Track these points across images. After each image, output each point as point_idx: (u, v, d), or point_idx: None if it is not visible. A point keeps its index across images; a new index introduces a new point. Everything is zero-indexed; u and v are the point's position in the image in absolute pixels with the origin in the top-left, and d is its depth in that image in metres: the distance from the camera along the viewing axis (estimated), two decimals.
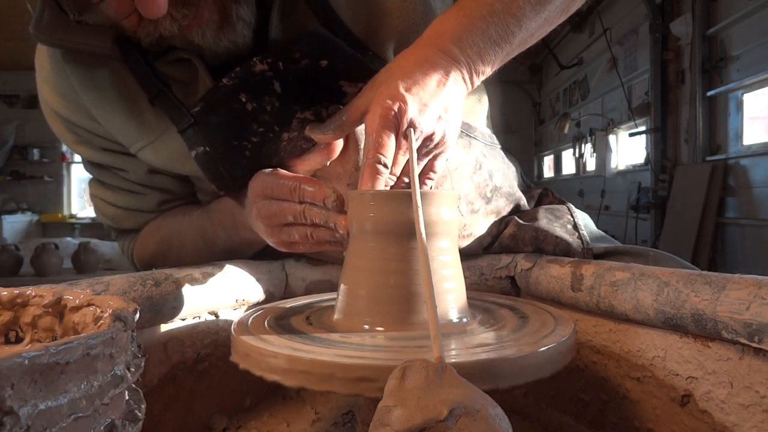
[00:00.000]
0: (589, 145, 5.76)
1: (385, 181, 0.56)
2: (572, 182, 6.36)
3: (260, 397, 0.74)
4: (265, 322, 0.55)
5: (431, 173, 0.63)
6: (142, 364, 0.35)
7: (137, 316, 0.35)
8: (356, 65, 0.67)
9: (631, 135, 4.68)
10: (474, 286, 0.79)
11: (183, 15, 0.62)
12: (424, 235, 0.46)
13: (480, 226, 0.81)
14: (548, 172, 7.67)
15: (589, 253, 0.78)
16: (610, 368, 0.61)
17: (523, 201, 0.89)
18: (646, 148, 4.46)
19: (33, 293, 0.40)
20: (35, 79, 0.81)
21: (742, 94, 3.43)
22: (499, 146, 0.88)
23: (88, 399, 0.29)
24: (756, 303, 0.44)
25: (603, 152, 5.45)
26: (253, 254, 0.85)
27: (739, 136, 3.45)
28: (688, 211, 3.63)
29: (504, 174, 0.84)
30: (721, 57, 3.53)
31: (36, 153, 7.25)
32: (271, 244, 0.66)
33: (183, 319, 0.65)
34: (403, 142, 0.56)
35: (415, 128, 0.56)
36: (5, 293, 0.40)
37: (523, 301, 0.64)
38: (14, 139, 7.14)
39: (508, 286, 0.80)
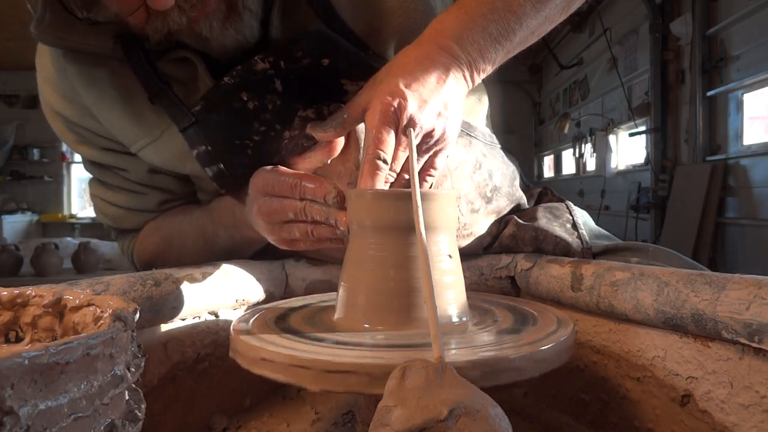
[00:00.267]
0: (589, 145, 5.76)
1: (385, 177, 0.56)
2: (572, 182, 6.36)
3: (260, 397, 0.74)
4: (265, 322, 0.55)
5: (431, 170, 0.63)
6: (142, 364, 0.35)
7: (137, 316, 0.35)
8: (358, 64, 0.67)
9: (631, 135, 4.68)
10: (474, 286, 0.79)
11: (191, 5, 0.62)
12: (424, 235, 0.46)
13: (480, 225, 0.81)
14: (548, 172, 7.67)
15: (588, 252, 0.78)
16: (610, 368, 0.61)
17: (524, 201, 0.89)
18: (646, 148, 4.46)
19: (33, 293, 0.40)
20: (35, 79, 0.81)
21: (742, 94, 3.43)
22: (499, 146, 0.88)
23: (88, 399, 0.29)
24: (756, 303, 0.44)
25: (603, 152, 5.45)
26: (253, 254, 0.85)
27: (739, 136, 3.45)
28: (688, 211, 3.63)
29: (504, 174, 0.84)
30: (721, 57, 3.53)
31: (36, 153, 7.25)
32: (271, 242, 0.66)
33: (183, 319, 0.65)
34: (403, 138, 0.56)
35: (414, 124, 0.56)
36: (5, 293, 0.40)
37: (523, 301, 0.64)
38: (14, 139, 7.14)
39: (508, 286, 0.80)
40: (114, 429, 0.30)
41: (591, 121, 5.67)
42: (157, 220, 0.88)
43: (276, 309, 0.61)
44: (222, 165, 0.69)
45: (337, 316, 0.54)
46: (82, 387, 0.28)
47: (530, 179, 1.11)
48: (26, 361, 0.25)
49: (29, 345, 0.39)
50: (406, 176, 0.59)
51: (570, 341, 0.49)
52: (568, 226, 0.82)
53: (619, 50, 4.90)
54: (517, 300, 0.65)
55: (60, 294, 0.39)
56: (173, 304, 0.62)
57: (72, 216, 7.38)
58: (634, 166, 4.90)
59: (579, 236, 0.80)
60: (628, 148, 5.13)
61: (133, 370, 0.33)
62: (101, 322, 0.35)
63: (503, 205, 0.83)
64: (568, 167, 6.81)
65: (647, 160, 4.40)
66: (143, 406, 0.34)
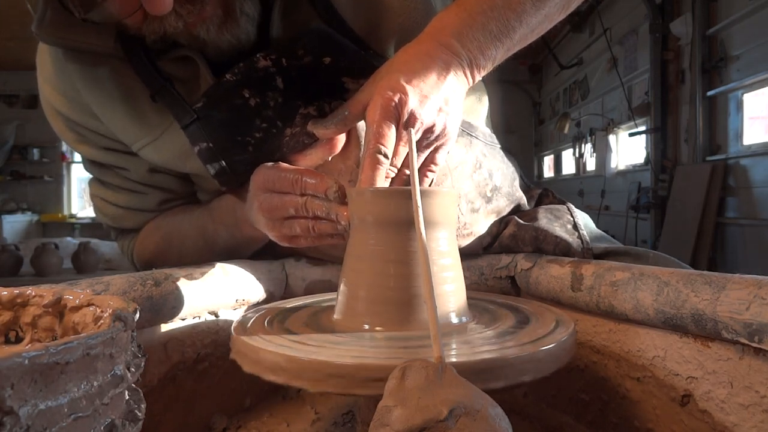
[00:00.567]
0: (589, 145, 5.75)
1: (385, 172, 0.56)
2: (572, 182, 6.35)
3: (260, 397, 0.74)
4: (265, 322, 0.55)
5: (432, 165, 0.63)
6: (142, 364, 0.35)
7: (137, 316, 0.35)
8: (359, 62, 0.67)
9: (631, 135, 4.68)
10: (474, 286, 0.79)
11: (188, 11, 0.62)
12: (424, 235, 0.46)
13: (481, 225, 0.81)
14: (548, 172, 7.66)
15: (588, 253, 0.78)
16: (610, 368, 0.61)
17: (524, 201, 0.89)
18: (646, 148, 4.46)
19: (33, 293, 0.40)
20: (35, 79, 0.81)
21: (742, 94, 3.43)
22: (499, 146, 0.88)
23: (88, 399, 0.29)
24: (756, 303, 0.44)
25: (603, 152, 5.45)
26: (253, 254, 0.85)
27: (739, 136, 3.45)
28: (688, 211, 3.63)
29: (504, 174, 0.84)
30: (721, 57, 3.53)
31: (36, 153, 7.25)
32: (272, 239, 0.66)
33: (183, 319, 0.65)
34: (404, 133, 0.56)
35: (415, 119, 0.56)
36: (5, 293, 0.40)
37: (523, 301, 0.64)
38: (14, 139, 7.14)
39: (508, 286, 0.80)
40: (114, 429, 0.30)
41: (591, 121, 5.67)
42: (157, 220, 0.88)
43: (276, 309, 0.61)
44: (224, 162, 0.69)
45: (336, 316, 0.54)
46: (82, 387, 0.28)
47: (530, 179, 1.11)
48: (26, 361, 0.25)
49: (29, 345, 0.39)
50: (407, 172, 0.59)
51: (570, 341, 0.49)
52: (569, 226, 0.82)
53: (619, 50, 4.90)
54: (517, 300, 0.65)
55: (60, 294, 0.39)
56: (173, 304, 0.62)
57: (72, 216, 7.38)
58: (634, 166, 4.90)
59: (579, 237, 0.80)
60: (628, 148, 5.13)
61: (133, 370, 0.33)
62: (101, 322, 0.35)
63: (503, 205, 0.83)
64: (568, 167, 6.80)
65: (647, 160, 4.40)
66: (143, 406, 0.34)
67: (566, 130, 6.08)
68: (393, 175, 0.58)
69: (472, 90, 0.64)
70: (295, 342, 0.48)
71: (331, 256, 0.82)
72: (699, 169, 3.67)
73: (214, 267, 0.71)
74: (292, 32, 0.69)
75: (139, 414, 0.33)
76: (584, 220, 0.85)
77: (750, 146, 3.37)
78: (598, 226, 0.87)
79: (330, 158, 0.68)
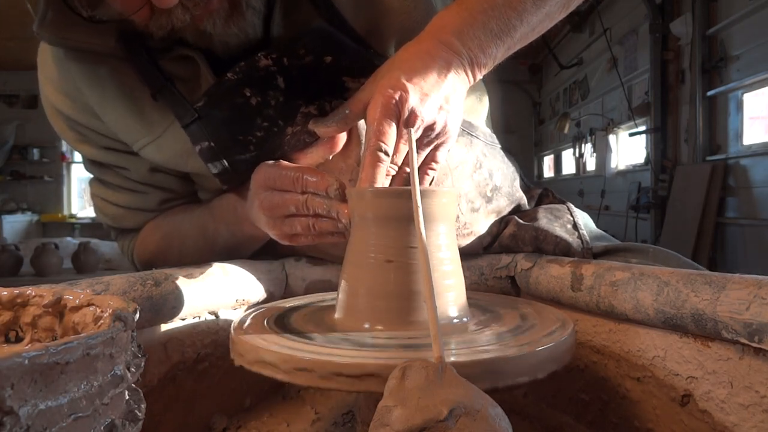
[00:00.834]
0: (589, 145, 5.76)
1: (386, 170, 0.56)
2: (572, 182, 6.35)
3: (260, 397, 0.74)
4: (265, 322, 0.55)
5: (433, 164, 0.63)
6: (142, 364, 0.35)
7: (137, 316, 0.35)
8: (360, 61, 0.67)
9: (631, 135, 4.68)
10: (474, 286, 0.79)
11: (194, 3, 0.62)
12: (424, 235, 0.46)
13: (481, 225, 0.81)
14: (548, 172, 7.66)
15: (588, 252, 0.78)
16: (610, 368, 0.61)
17: (524, 201, 0.89)
18: (646, 148, 4.46)
19: (33, 293, 0.40)
20: (35, 79, 0.81)
21: (742, 94, 3.43)
22: (499, 146, 0.88)
23: (88, 399, 0.29)
24: (756, 303, 0.44)
25: (603, 152, 5.45)
26: (253, 253, 0.85)
27: (739, 136, 3.45)
28: (688, 211, 3.63)
29: (504, 174, 0.84)
30: (721, 57, 3.53)
31: (36, 153, 7.25)
32: (273, 237, 0.66)
33: (183, 319, 0.65)
34: (405, 131, 0.56)
35: (416, 117, 0.56)
36: (5, 293, 0.40)
37: (523, 301, 0.64)
38: (14, 139, 7.13)
39: (508, 286, 0.80)
40: (114, 429, 0.30)
41: (591, 121, 5.67)
42: (157, 219, 0.88)
43: (276, 309, 0.61)
44: (225, 161, 0.69)
45: (337, 315, 0.54)
46: (82, 387, 0.28)
47: (530, 179, 1.11)
48: (26, 361, 0.25)
49: (29, 345, 0.39)
50: (408, 170, 0.59)
51: (570, 341, 0.49)
52: (569, 226, 0.82)
53: (619, 50, 4.90)
54: (518, 300, 0.65)
55: (60, 294, 0.39)
56: (173, 304, 0.62)
57: (72, 216, 7.38)
58: (634, 166, 4.90)
59: (579, 236, 0.80)
60: (628, 148, 5.13)
61: (133, 370, 0.33)
62: (101, 322, 0.35)
63: (503, 205, 0.83)
64: (568, 167, 6.80)
65: (647, 160, 4.40)
66: (143, 406, 0.34)
67: (566, 130, 6.08)
68: (393, 172, 0.58)
69: (473, 90, 0.64)
70: (295, 342, 0.48)
71: (331, 255, 0.82)
72: (699, 169, 3.67)
73: (214, 267, 0.71)
74: (293, 31, 0.69)
75: (139, 414, 0.33)
76: (584, 219, 0.85)
77: (750, 146, 3.37)
78: (598, 227, 0.87)
79: (331, 157, 0.68)
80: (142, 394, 0.34)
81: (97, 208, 0.91)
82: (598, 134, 5.50)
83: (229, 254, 0.80)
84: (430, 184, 0.64)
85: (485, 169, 0.80)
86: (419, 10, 0.73)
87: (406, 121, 0.56)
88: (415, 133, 0.57)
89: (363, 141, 0.67)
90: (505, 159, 0.87)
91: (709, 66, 3.64)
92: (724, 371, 0.48)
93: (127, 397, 0.33)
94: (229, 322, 0.66)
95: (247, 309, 0.72)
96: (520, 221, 0.82)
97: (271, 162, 0.65)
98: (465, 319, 0.54)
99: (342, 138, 0.67)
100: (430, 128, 0.59)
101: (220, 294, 0.69)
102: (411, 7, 0.73)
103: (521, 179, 0.93)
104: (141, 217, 0.88)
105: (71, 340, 0.28)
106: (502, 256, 0.81)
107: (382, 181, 0.56)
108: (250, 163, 0.68)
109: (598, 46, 5.29)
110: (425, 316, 0.50)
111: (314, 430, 0.67)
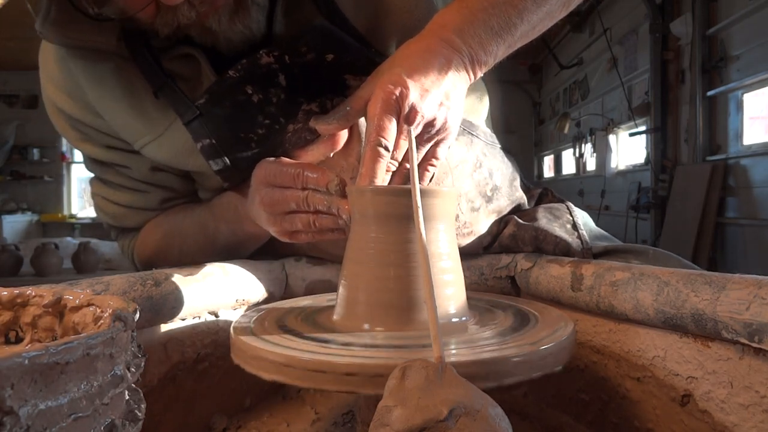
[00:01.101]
0: (589, 145, 5.75)
1: (386, 166, 0.56)
2: (572, 182, 6.35)
3: (260, 397, 0.74)
4: (265, 322, 0.55)
5: (433, 160, 0.63)
6: (142, 364, 0.35)
7: (137, 316, 0.35)
8: (361, 59, 0.67)
9: (631, 135, 4.68)
10: (474, 286, 0.79)
11: (200, 1, 0.62)
12: (424, 234, 0.46)
13: (481, 224, 0.81)
14: (548, 172, 7.66)
15: (588, 252, 0.78)
16: (610, 368, 0.61)
17: (524, 201, 0.89)
18: (646, 148, 4.46)
19: (33, 293, 0.40)
20: (35, 79, 0.81)
21: (742, 94, 3.43)
22: (499, 146, 0.88)
23: (88, 399, 0.29)
24: (756, 303, 0.44)
25: (603, 152, 5.45)
26: (253, 253, 0.85)
27: (739, 136, 3.45)
28: (688, 211, 3.63)
29: (504, 174, 0.84)
30: (721, 57, 3.53)
31: (36, 153, 7.24)
32: (273, 234, 0.66)
33: (183, 319, 0.65)
34: (405, 127, 0.56)
35: (416, 113, 0.56)
36: (5, 293, 0.40)
37: (523, 301, 0.64)
38: (14, 139, 7.13)
39: (508, 286, 0.80)
40: (114, 429, 0.30)
41: (591, 121, 5.67)
42: (158, 219, 0.88)
43: (276, 309, 0.61)
44: (227, 158, 0.69)
45: (336, 315, 0.54)
46: (82, 387, 0.28)
47: (530, 179, 1.11)
48: (26, 361, 0.25)
49: (29, 345, 0.39)
50: (408, 166, 0.59)
51: (570, 341, 0.49)
52: (569, 226, 0.82)
53: (619, 50, 4.90)
54: (517, 300, 0.65)
55: (60, 294, 0.39)
56: (173, 304, 0.62)
57: (72, 216, 7.38)
58: (634, 166, 4.90)
59: (579, 236, 0.80)
60: (628, 148, 5.13)
61: (133, 370, 0.33)
62: (101, 322, 0.35)
63: (503, 204, 0.84)
64: (568, 167, 6.80)
65: (647, 160, 4.40)
66: (143, 406, 0.34)
67: (566, 130, 6.08)
68: (394, 168, 0.58)
69: (473, 89, 0.65)
70: (295, 342, 0.48)
71: (331, 255, 0.82)
72: (699, 169, 3.67)
73: (214, 267, 0.71)
74: (295, 29, 0.70)
75: (139, 414, 0.33)
76: (584, 219, 0.85)
77: (750, 146, 3.37)
78: (597, 226, 0.87)
79: (332, 155, 0.68)
80: (142, 394, 0.34)
81: (97, 207, 0.91)
82: (598, 134, 5.50)
83: (229, 253, 0.80)
84: (431, 180, 0.64)
85: (485, 168, 0.80)
86: (420, 9, 0.74)
87: (406, 116, 0.56)
88: (416, 129, 0.57)
89: (363, 138, 0.68)
90: (505, 159, 0.87)
91: (709, 66, 3.64)
92: (724, 371, 0.48)
93: (127, 397, 0.33)
94: (229, 322, 0.66)
95: (247, 309, 0.72)
96: (520, 221, 0.82)
97: (271, 159, 0.65)
98: (465, 319, 0.54)
99: (343, 136, 0.67)
100: (430, 124, 0.59)
101: (220, 294, 0.69)
102: (412, 5, 0.73)
103: (521, 179, 0.93)
104: (142, 216, 0.88)
105: (71, 340, 0.28)
106: (502, 256, 0.81)
107: (383, 176, 0.56)
108: (251, 161, 0.68)
109: (598, 46, 5.29)
110: (425, 315, 0.50)
111: (314, 430, 0.67)
